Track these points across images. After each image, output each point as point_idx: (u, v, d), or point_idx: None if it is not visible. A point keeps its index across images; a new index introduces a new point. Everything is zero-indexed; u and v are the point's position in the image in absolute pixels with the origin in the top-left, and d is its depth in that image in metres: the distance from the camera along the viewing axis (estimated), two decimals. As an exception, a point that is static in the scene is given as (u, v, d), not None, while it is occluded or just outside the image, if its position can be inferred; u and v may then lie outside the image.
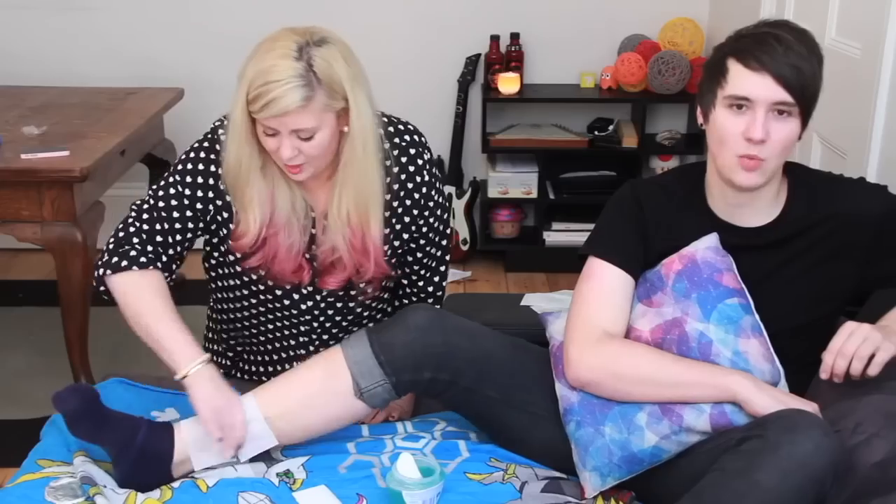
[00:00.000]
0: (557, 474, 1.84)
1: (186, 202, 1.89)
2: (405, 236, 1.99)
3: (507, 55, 3.85)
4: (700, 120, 1.83)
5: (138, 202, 1.93)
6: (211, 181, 1.89)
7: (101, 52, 3.86)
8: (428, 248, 2.05)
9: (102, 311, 3.24)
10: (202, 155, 1.89)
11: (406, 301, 2.12)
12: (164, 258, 1.89)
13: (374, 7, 3.85)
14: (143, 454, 1.75)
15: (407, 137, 1.95)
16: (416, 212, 1.96)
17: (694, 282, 1.75)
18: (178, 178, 1.89)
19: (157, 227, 1.89)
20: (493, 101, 3.85)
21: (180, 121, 3.65)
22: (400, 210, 1.95)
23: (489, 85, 3.87)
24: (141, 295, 1.85)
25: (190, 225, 1.90)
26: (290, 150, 1.76)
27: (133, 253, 1.86)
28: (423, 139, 1.97)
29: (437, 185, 1.99)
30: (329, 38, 1.81)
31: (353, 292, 2.00)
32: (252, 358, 2.16)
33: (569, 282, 3.75)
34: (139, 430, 1.76)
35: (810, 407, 1.64)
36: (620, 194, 1.89)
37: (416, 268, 2.06)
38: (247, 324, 2.08)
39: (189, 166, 1.89)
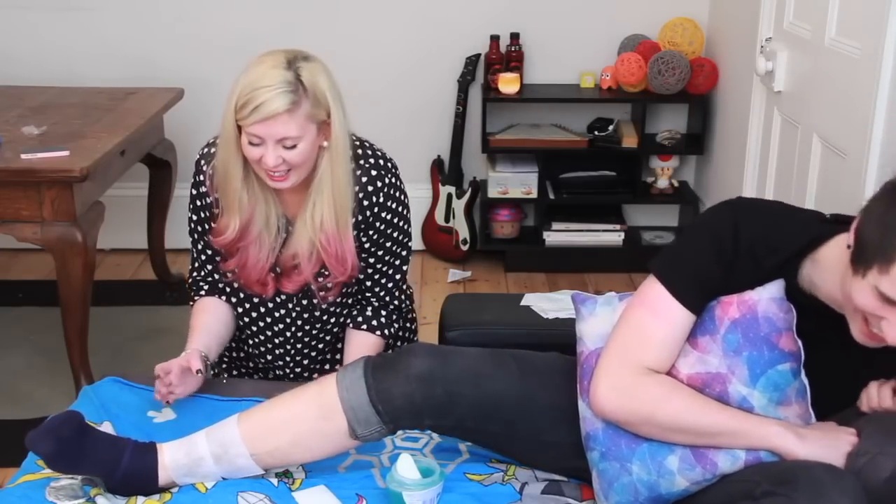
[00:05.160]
0: (557, 476, 1.84)
1: (200, 230, 2.11)
2: (365, 246, 2.05)
3: (507, 55, 3.84)
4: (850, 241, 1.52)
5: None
6: (205, 213, 2.08)
7: (101, 52, 3.86)
8: (381, 267, 2.10)
9: (102, 311, 3.26)
10: (193, 192, 2.08)
11: (365, 302, 2.17)
12: (213, 277, 2.14)
13: (375, 7, 3.84)
14: (127, 478, 1.73)
15: (372, 160, 2.01)
16: (371, 232, 2.04)
17: (749, 338, 1.60)
18: (190, 214, 2.11)
19: (202, 257, 2.14)
20: (493, 101, 3.85)
21: (180, 121, 3.65)
22: (362, 226, 2.02)
23: (489, 85, 3.86)
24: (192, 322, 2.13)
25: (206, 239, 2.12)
26: (275, 159, 1.86)
27: (195, 287, 2.17)
28: (388, 164, 2.04)
29: (397, 207, 2.05)
30: (314, 56, 1.91)
31: (314, 300, 2.10)
32: (252, 353, 2.26)
33: (569, 282, 3.78)
34: (122, 457, 1.73)
35: (849, 435, 1.57)
36: (721, 222, 1.63)
37: (367, 284, 2.12)
38: (239, 325, 2.19)
39: (190, 205, 2.10)
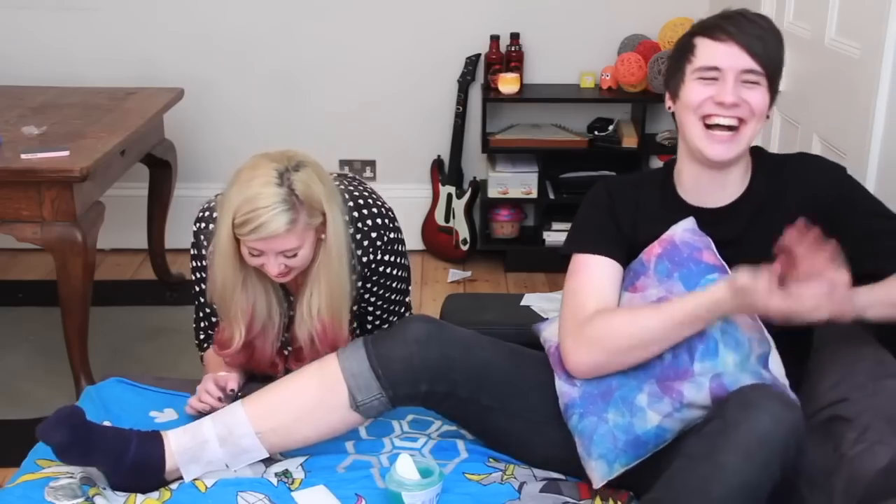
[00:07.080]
0: (556, 475, 1.85)
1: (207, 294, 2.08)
2: (365, 297, 2.07)
3: (507, 55, 3.85)
4: (668, 104, 1.85)
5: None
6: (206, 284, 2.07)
7: (101, 52, 3.87)
8: (379, 313, 2.12)
9: (102, 311, 3.26)
10: (195, 264, 2.08)
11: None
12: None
13: (375, 7, 3.85)
14: (134, 468, 1.76)
15: (369, 222, 2.01)
16: (368, 285, 2.05)
17: (675, 262, 1.78)
18: (194, 284, 2.11)
19: (212, 319, 2.12)
20: (493, 101, 3.85)
21: (180, 121, 3.65)
22: (362, 281, 2.04)
23: (489, 85, 3.86)
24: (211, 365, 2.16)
25: None
26: (278, 267, 1.88)
27: (208, 342, 2.16)
28: (385, 219, 2.03)
29: (397, 259, 2.06)
30: (304, 160, 1.89)
31: None
32: None
33: (569, 282, 3.77)
34: (129, 446, 1.76)
35: (762, 279, 1.57)
36: (592, 193, 1.92)
37: (368, 328, 2.14)
38: None
39: (194, 275, 2.10)
